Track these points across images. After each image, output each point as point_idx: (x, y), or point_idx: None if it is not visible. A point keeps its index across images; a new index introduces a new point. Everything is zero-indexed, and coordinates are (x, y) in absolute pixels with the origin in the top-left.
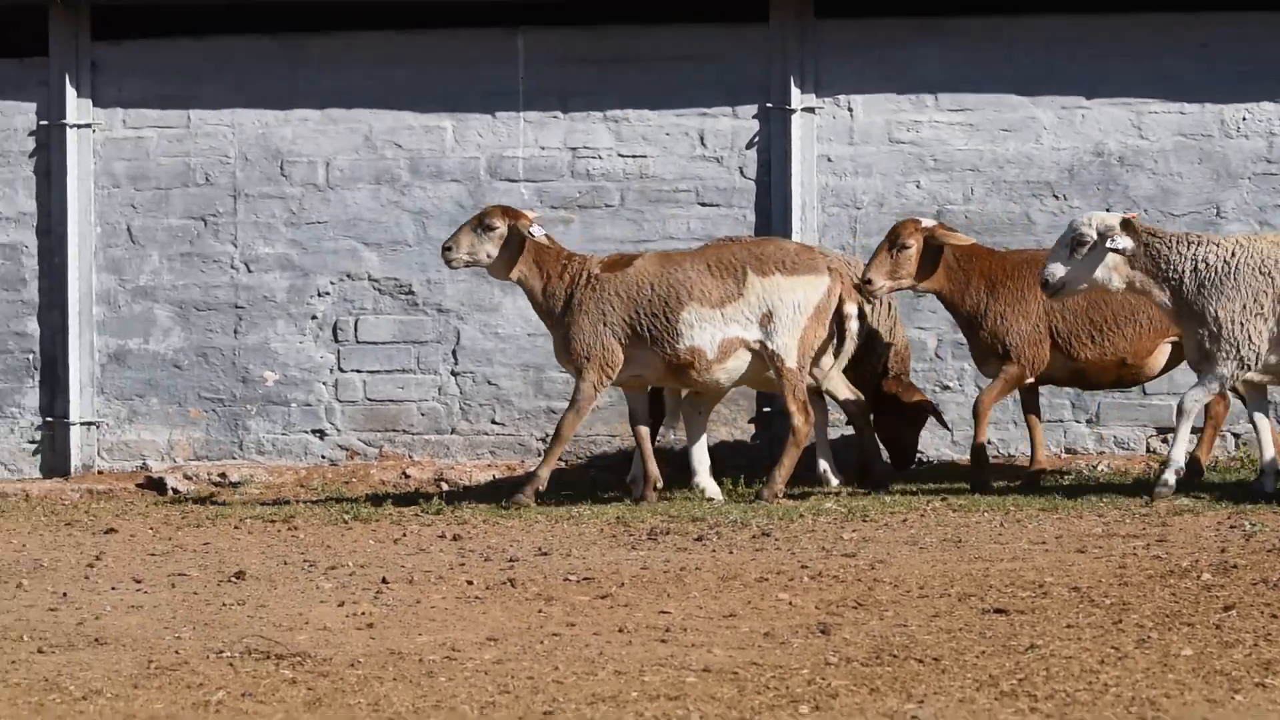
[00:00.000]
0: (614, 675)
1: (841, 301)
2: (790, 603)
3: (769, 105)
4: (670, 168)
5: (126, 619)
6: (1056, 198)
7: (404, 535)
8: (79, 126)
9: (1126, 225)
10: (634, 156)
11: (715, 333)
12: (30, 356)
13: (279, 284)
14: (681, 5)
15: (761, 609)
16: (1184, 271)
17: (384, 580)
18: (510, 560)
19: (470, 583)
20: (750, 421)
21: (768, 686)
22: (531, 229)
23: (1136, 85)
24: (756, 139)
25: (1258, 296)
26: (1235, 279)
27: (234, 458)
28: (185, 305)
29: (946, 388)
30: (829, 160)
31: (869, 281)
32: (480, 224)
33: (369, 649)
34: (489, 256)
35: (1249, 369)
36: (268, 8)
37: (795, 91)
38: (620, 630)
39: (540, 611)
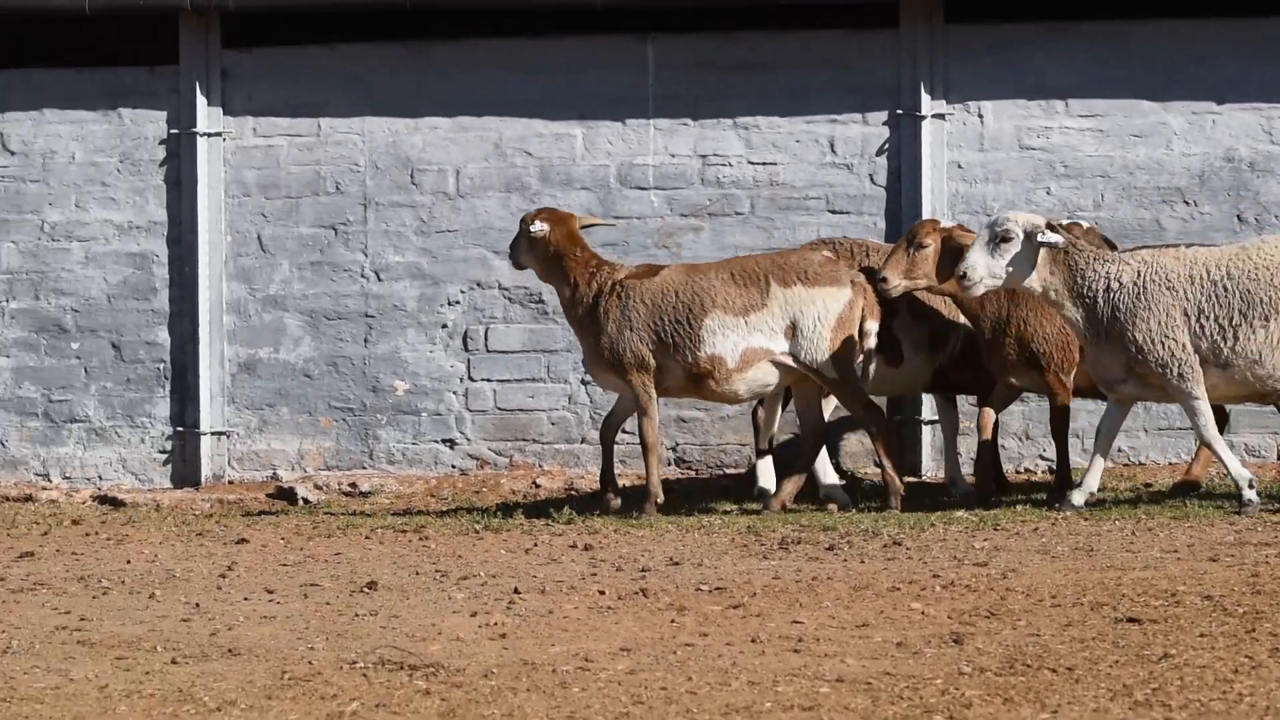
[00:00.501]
0: (748, 686)
1: (863, 318)
2: (923, 612)
3: (899, 111)
4: (800, 175)
5: (259, 629)
6: (1187, 204)
7: (535, 545)
8: (209, 135)
9: (1051, 227)
10: (764, 164)
11: (738, 341)
12: (161, 366)
13: (409, 293)
14: (812, 11)
15: (894, 618)
16: (1098, 290)
17: (516, 590)
18: (642, 570)
19: (602, 593)
20: None
21: (901, 697)
22: (531, 227)
23: (1268, 90)
24: (886, 145)
25: (1169, 312)
26: (1146, 298)
27: (364, 467)
28: (315, 314)
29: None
30: (959, 167)
31: (884, 280)
32: (521, 228)
33: (502, 659)
34: (530, 261)
35: (1194, 375)
36: (398, 15)
37: (925, 97)
38: (753, 640)
39: (673, 622)
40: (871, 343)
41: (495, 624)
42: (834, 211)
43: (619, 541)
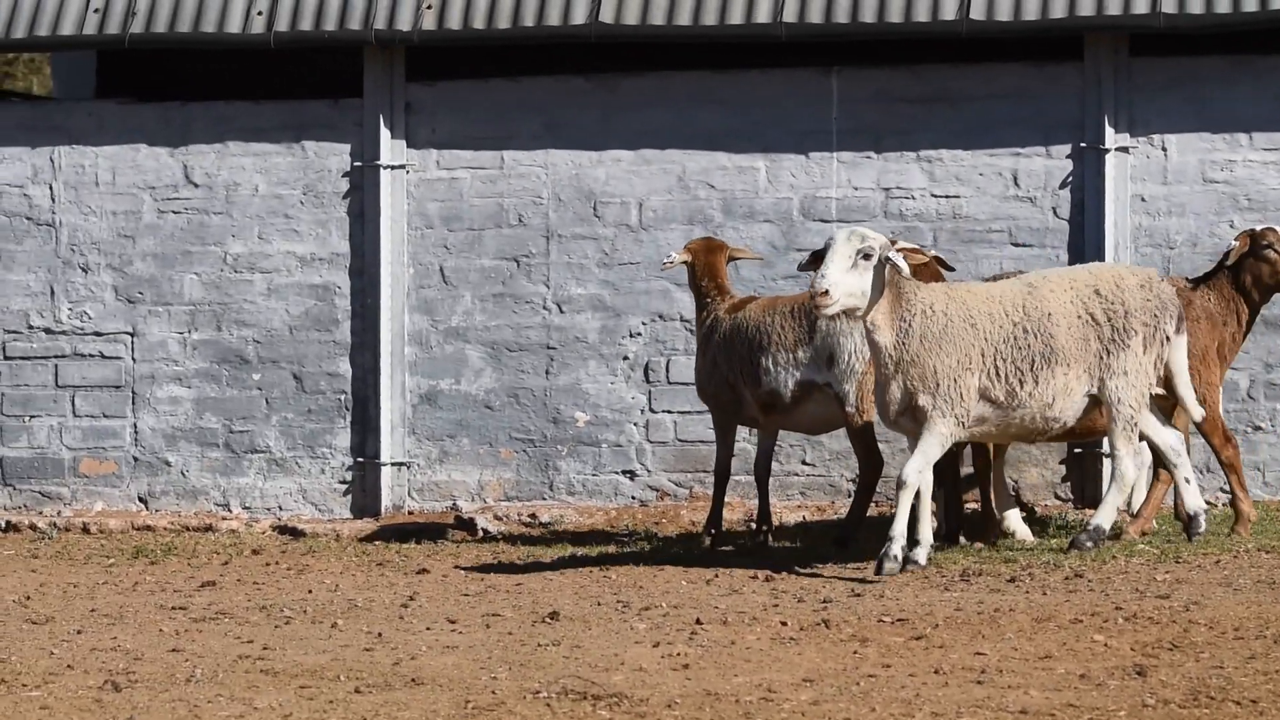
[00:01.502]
0: (931, 717)
1: None
2: (1105, 644)
3: (1083, 145)
4: (983, 208)
5: (442, 659)
6: None
7: (716, 576)
8: (393, 167)
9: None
10: (947, 196)
11: (789, 376)
12: (342, 397)
13: (591, 324)
14: (996, 44)
15: (1076, 650)
16: (912, 316)
17: (698, 621)
18: (824, 601)
19: (784, 623)
20: (1060, 463)
21: None
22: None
23: None
24: (1070, 179)
25: (968, 351)
26: (949, 332)
27: (544, 498)
28: (497, 346)
29: (1259, 428)
30: (1142, 200)
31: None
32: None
33: (685, 689)
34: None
35: (963, 428)
36: (582, 47)
37: (1109, 130)
38: (936, 671)
39: (855, 653)
40: None
41: (678, 654)
42: (1016, 244)
43: (800, 572)
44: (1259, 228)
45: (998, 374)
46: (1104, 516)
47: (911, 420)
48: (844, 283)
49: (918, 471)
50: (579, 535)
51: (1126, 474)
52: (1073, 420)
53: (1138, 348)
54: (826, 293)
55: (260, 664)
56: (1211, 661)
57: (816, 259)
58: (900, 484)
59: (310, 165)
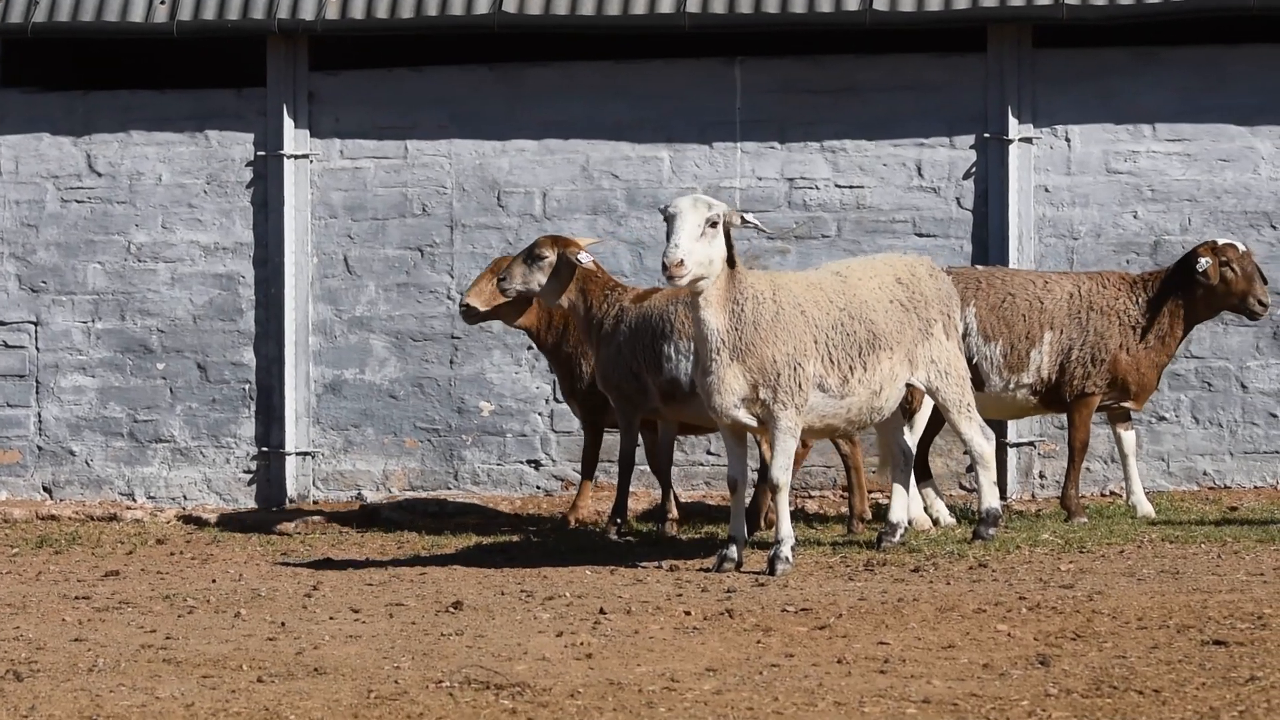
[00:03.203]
0: (834, 706)
1: None
2: (1009, 634)
3: (986, 135)
4: (887, 198)
5: (345, 648)
6: (1274, 228)
7: (620, 566)
8: (296, 157)
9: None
10: (851, 187)
11: (689, 364)
12: (246, 386)
13: None
14: (900, 35)
15: (980, 640)
16: (745, 300)
17: (602, 610)
18: (728, 591)
19: (688, 613)
20: (965, 453)
21: (988, 718)
22: (579, 256)
23: None
24: (974, 169)
25: (802, 339)
26: (780, 319)
27: (449, 488)
28: (401, 335)
29: (1163, 419)
30: (1046, 190)
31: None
32: (530, 254)
33: (588, 679)
34: (539, 285)
35: (802, 416)
36: (485, 38)
37: (1013, 121)
38: (839, 661)
39: (759, 642)
40: None
41: (581, 644)
42: (921, 235)
43: (703, 563)
44: (1220, 242)
45: (831, 361)
46: (989, 498)
47: (747, 412)
48: (695, 251)
49: (784, 470)
50: (483, 525)
51: (983, 451)
52: (890, 411)
53: (940, 334)
54: (681, 263)
55: (163, 653)
56: (1114, 651)
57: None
58: (774, 488)
59: (214, 155)
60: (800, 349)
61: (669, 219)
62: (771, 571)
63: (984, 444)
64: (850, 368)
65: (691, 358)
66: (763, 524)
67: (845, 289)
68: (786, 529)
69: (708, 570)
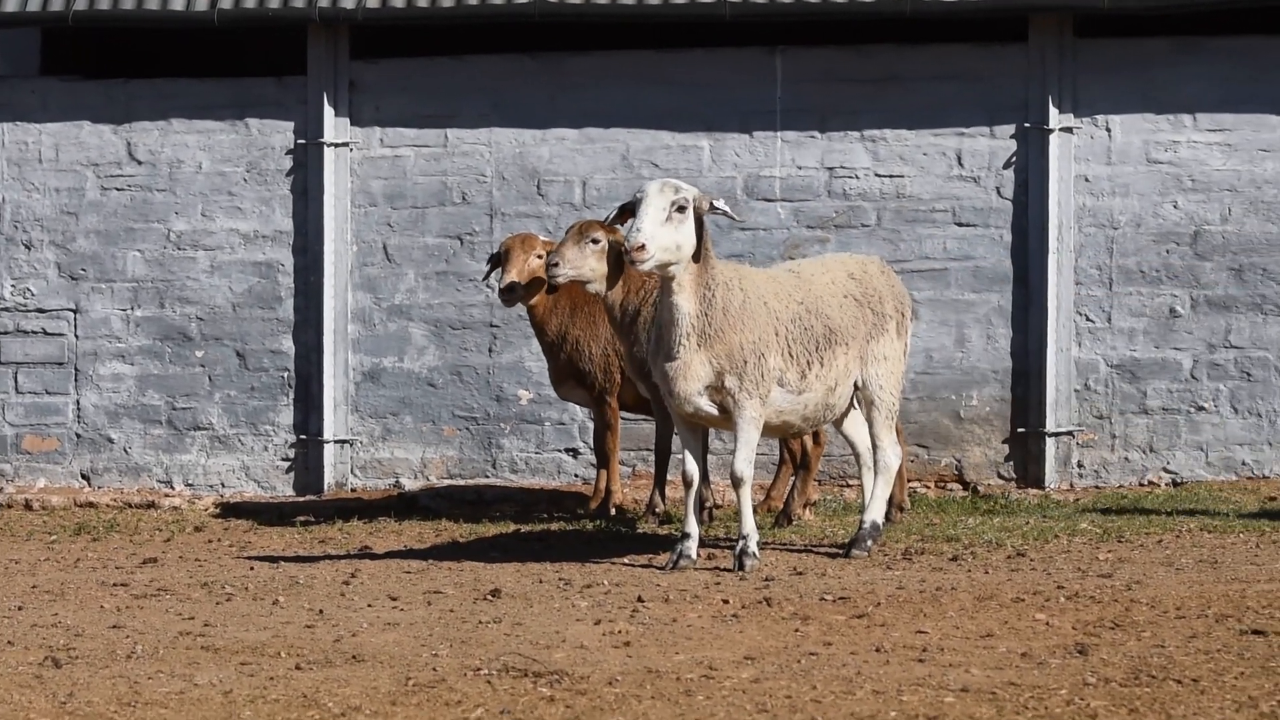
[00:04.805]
0: (872, 695)
1: None
2: (1047, 623)
3: (1027, 125)
4: (927, 187)
5: (383, 636)
6: None
7: (658, 554)
8: (336, 145)
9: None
10: (891, 176)
11: None
12: (285, 374)
13: None
14: (941, 25)
15: (1018, 629)
16: (716, 286)
17: (640, 599)
18: (766, 580)
19: (726, 601)
20: (1003, 442)
21: (1026, 707)
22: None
23: None
24: (1014, 159)
25: (766, 330)
26: (747, 308)
27: (487, 476)
28: (440, 324)
29: (1202, 409)
30: (1086, 180)
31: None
32: (582, 237)
33: (626, 667)
34: (593, 271)
35: (765, 407)
36: (527, 27)
37: (1053, 111)
38: (877, 650)
39: (797, 631)
40: None
41: (619, 632)
42: (960, 224)
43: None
44: None
45: (791, 355)
46: (876, 511)
47: (709, 400)
48: (659, 236)
49: (747, 463)
50: (521, 513)
51: (891, 464)
52: (841, 410)
53: (893, 333)
54: (643, 247)
55: (201, 640)
56: (1153, 640)
57: (626, 212)
58: (737, 482)
59: (254, 143)
60: (764, 340)
61: (635, 203)
62: (740, 567)
63: (895, 457)
64: (808, 363)
65: (652, 343)
66: (799, 511)
67: (801, 284)
68: (750, 524)
69: (661, 569)
